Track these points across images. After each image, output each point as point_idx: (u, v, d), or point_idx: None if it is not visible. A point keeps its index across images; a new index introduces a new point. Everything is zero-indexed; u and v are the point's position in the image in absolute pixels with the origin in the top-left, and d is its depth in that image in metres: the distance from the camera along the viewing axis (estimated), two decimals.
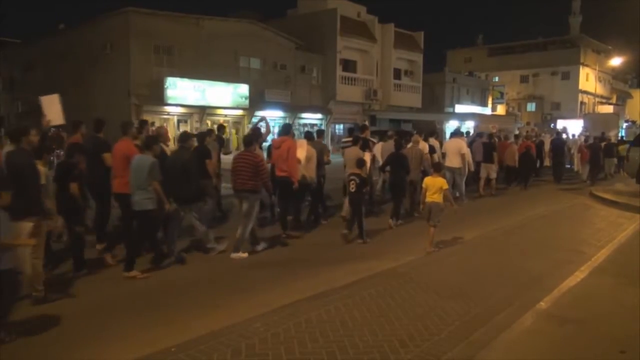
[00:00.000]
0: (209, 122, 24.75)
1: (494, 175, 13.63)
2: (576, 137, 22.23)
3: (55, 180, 6.08)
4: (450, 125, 34.93)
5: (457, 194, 11.86)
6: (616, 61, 49.82)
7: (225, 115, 25.96)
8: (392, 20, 34.07)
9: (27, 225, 4.86)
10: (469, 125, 33.87)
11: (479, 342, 4.32)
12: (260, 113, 26.75)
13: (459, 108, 40.56)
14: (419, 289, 5.68)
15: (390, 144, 10.22)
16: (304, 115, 29.43)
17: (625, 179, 15.73)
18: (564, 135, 20.56)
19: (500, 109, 48.98)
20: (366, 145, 9.95)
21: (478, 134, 15.64)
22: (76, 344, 4.37)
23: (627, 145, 16.93)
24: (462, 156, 11.99)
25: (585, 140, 18.96)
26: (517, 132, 23.03)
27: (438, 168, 8.02)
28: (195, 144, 7.89)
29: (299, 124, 29.03)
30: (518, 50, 55.64)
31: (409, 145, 10.28)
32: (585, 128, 27.89)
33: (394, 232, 9.01)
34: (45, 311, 5.02)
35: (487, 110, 44.97)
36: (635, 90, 66.68)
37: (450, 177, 11.53)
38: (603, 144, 17.88)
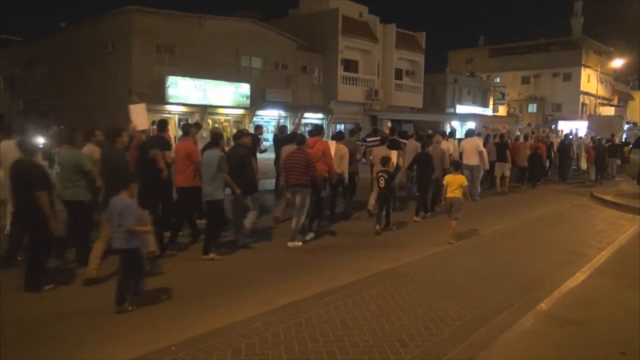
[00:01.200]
0: (210, 122, 24.77)
1: (507, 173, 14.34)
2: (583, 138, 22.76)
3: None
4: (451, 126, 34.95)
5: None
6: (618, 63, 49.77)
7: (227, 115, 25.98)
8: (394, 21, 34.13)
9: (146, 214, 5.51)
10: (469, 126, 33.87)
11: (479, 343, 4.31)
12: (261, 112, 26.86)
13: (460, 109, 40.56)
14: (419, 289, 5.68)
15: (412, 143, 11.28)
16: (305, 115, 29.43)
17: (626, 180, 15.73)
18: (572, 137, 21.08)
19: (502, 110, 48.97)
20: (396, 145, 10.83)
21: (488, 135, 16.24)
22: (74, 343, 4.36)
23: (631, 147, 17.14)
24: (480, 154, 12.57)
25: (592, 141, 19.39)
26: (518, 132, 23.34)
27: (457, 166, 8.63)
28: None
29: (302, 124, 29.04)
30: (519, 51, 55.60)
31: (432, 145, 10.90)
32: (590, 129, 28.31)
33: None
34: (46, 309, 5.03)
35: (488, 111, 44.97)
36: (636, 92, 66.68)
37: (468, 174, 11.74)
38: (608, 144, 18.31)
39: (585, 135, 24.67)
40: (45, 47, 27.51)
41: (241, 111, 26.10)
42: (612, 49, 55.47)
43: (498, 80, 52.59)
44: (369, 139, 12.32)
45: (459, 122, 35.01)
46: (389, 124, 12.93)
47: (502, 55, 56.36)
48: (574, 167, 19.53)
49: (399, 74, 35.29)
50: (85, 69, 24.23)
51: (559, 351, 4.28)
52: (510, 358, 4.14)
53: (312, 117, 29.81)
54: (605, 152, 17.46)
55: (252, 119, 26.26)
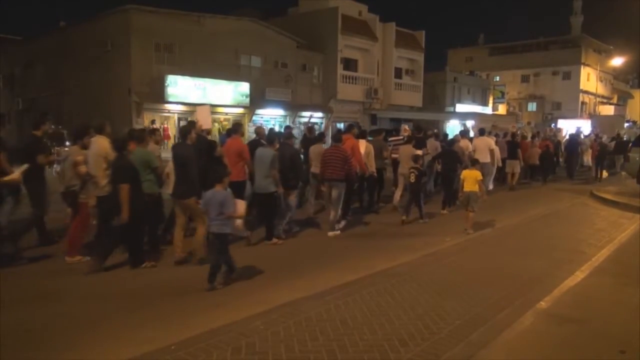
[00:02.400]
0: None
1: (517, 170, 15.11)
2: (591, 135, 23.73)
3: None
4: (451, 125, 34.97)
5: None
6: (617, 61, 49.77)
7: (226, 114, 25.95)
8: (394, 19, 34.11)
9: (243, 203, 6.20)
10: (469, 125, 33.87)
11: (479, 342, 4.31)
12: (260, 111, 26.84)
13: (460, 107, 40.54)
14: (419, 288, 5.68)
15: (432, 142, 12.29)
16: (305, 113, 29.43)
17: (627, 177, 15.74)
18: (582, 136, 21.96)
19: (501, 109, 48.98)
20: (421, 144, 11.69)
21: (497, 134, 17.19)
22: (73, 342, 4.36)
23: None
24: (491, 152, 13.30)
25: (596, 139, 20.34)
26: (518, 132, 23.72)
27: (474, 162, 9.25)
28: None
29: (299, 122, 29.02)
30: (519, 50, 55.57)
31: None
32: (593, 128, 29.18)
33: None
34: (48, 308, 5.01)
35: (488, 110, 44.96)
36: (636, 91, 66.66)
37: (485, 171, 12.57)
38: (613, 142, 19.24)
39: (591, 133, 25.40)
40: (45, 46, 27.48)
41: (241, 110, 26.09)
42: (611, 47, 55.46)
43: (498, 79, 52.58)
44: (391, 138, 12.91)
45: (459, 121, 35.00)
46: (407, 127, 13.97)
47: (502, 54, 56.35)
48: (584, 165, 20.49)
49: (398, 73, 35.27)
50: (85, 68, 24.22)
51: (558, 350, 4.28)
52: (510, 357, 4.14)
53: (312, 116, 29.81)
54: (606, 149, 18.23)
55: (251, 118, 26.24)
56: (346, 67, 31.59)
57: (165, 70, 22.68)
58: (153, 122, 21.66)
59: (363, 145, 10.02)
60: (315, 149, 9.49)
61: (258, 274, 6.31)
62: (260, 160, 7.58)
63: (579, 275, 6.33)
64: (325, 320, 4.68)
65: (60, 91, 25.78)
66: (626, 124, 43.09)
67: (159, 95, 22.40)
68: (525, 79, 54.34)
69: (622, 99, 63.14)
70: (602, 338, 4.52)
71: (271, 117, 28.11)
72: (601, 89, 54.98)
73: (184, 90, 23.04)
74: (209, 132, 9.13)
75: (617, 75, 60.92)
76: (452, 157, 10.86)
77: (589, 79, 52.34)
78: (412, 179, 9.57)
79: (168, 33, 22.96)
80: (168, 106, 23.43)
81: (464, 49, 59.11)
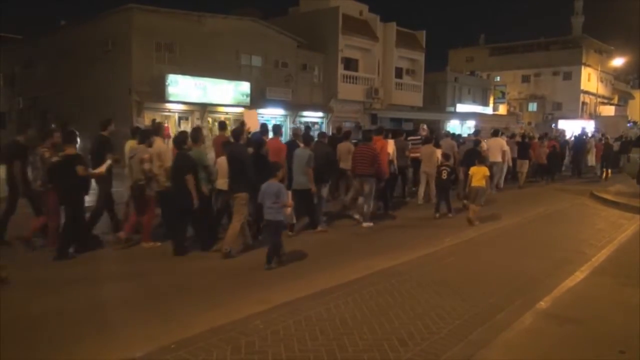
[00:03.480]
0: (210, 120, 24.76)
1: (525, 169, 15.97)
2: (595, 135, 24.43)
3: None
4: (452, 125, 34.96)
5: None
6: (618, 62, 49.68)
7: (227, 113, 25.93)
8: (394, 19, 34.03)
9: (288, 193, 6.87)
10: (469, 125, 33.86)
11: (478, 341, 4.32)
12: (261, 111, 26.82)
13: (460, 107, 40.51)
14: (419, 287, 5.68)
15: (448, 142, 13.06)
16: (305, 113, 29.42)
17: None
18: (590, 136, 23.01)
19: (502, 109, 48.90)
20: (439, 144, 12.54)
21: (511, 135, 18.37)
22: (72, 342, 4.37)
23: None
24: (503, 152, 14.27)
25: (600, 139, 21.09)
26: (517, 131, 24.32)
27: (483, 160, 10.31)
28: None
29: (300, 122, 29.01)
30: (520, 50, 55.48)
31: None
32: (596, 128, 29.99)
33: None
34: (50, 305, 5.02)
35: (489, 110, 44.91)
36: (636, 91, 66.60)
37: (497, 169, 14.05)
38: (618, 143, 20.05)
39: (594, 133, 26.00)
40: (45, 45, 27.47)
41: (241, 109, 26.04)
42: (612, 47, 55.38)
43: (498, 79, 52.51)
44: (410, 138, 13.35)
45: (459, 121, 34.98)
46: (425, 126, 14.62)
47: (503, 54, 56.27)
48: (588, 165, 21.04)
49: (399, 73, 35.23)
50: (85, 67, 24.20)
51: (558, 350, 4.28)
52: (510, 357, 4.14)
53: (312, 116, 29.81)
54: (611, 149, 19.01)
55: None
56: (347, 67, 31.56)
57: (166, 70, 22.66)
58: (154, 121, 21.65)
59: (391, 146, 10.75)
60: (342, 147, 10.21)
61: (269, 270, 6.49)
62: (298, 159, 8.42)
63: (579, 276, 6.33)
64: (325, 319, 4.69)
65: (60, 90, 25.77)
66: (627, 125, 43.06)
67: (159, 95, 22.39)
68: (525, 79, 54.28)
69: (623, 100, 63.08)
70: (602, 338, 4.52)
71: (271, 116, 28.07)
72: (602, 90, 54.90)
73: (185, 89, 23.04)
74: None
75: (617, 76, 60.84)
76: (475, 156, 11.18)
77: (590, 80, 52.27)
78: (444, 175, 10.33)
79: (169, 32, 22.95)
80: (169, 105, 23.41)
81: (464, 49, 59.05)
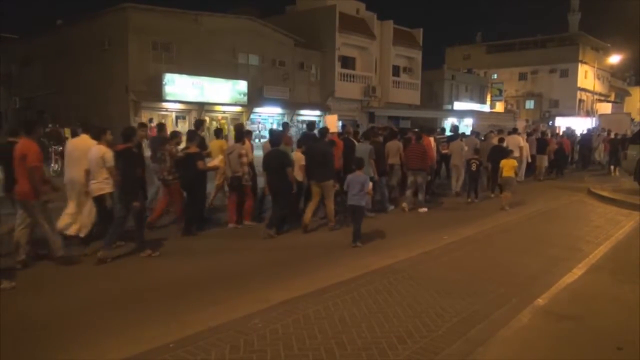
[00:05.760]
0: (207, 119, 24.72)
1: (545, 164, 17.30)
2: (601, 132, 25.46)
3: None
4: (449, 122, 34.97)
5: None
6: (615, 59, 49.62)
7: (224, 112, 25.92)
8: (391, 17, 34.08)
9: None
10: (467, 123, 33.87)
11: (476, 339, 4.32)
12: (258, 110, 26.82)
13: (458, 105, 40.55)
14: (417, 285, 5.69)
15: (472, 140, 13.89)
16: (303, 112, 29.40)
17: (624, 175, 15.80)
18: (598, 134, 24.35)
19: (499, 106, 48.94)
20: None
21: (530, 132, 19.86)
22: (71, 340, 4.36)
23: None
24: (520, 149, 15.29)
25: (608, 136, 22.31)
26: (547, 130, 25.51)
27: (510, 154, 12.03)
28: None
29: (297, 121, 29.00)
30: (517, 48, 55.54)
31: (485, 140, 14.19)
32: (597, 125, 30.83)
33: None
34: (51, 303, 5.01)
35: (486, 108, 44.96)
36: (633, 88, 66.66)
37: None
38: (623, 138, 20.61)
39: (599, 131, 26.67)
40: (42, 45, 27.38)
41: (238, 108, 26.07)
42: (609, 45, 55.47)
43: (495, 76, 52.59)
44: (438, 137, 14.40)
45: (457, 119, 34.99)
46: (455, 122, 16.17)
47: (500, 52, 56.33)
48: (596, 162, 22.46)
49: (396, 71, 35.24)
50: (82, 67, 24.15)
51: (556, 347, 4.29)
52: (508, 354, 4.15)
53: (310, 114, 29.78)
54: (619, 144, 19.64)
55: (249, 116, 26.24)
56: (344, 65, 31.55)
57: (163, 69, 22.62)
58: (151, 120, 21.62)
59: (433, 143, 12.10)
60: (392, 145, 11.08)
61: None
62: (361, 153, 9.34)
63: (577, 273, 6.34)
64: (324, 318, 4.69)
65: (57, 90, 25.71)
66: (631, 122, 43.05)
67: (156, 94, 22.35)
68: (523, 76, 54.35)
69: (620, 97, 63.19)
70: (600, 335, 4.54)
71: (269, 115, 28.08)
72: (599, 87, 54.95)
73: (182, 88, 23.01)
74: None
75: (614, 73, 60.93)
76: (500, 152, 12.47)
77: (587, 77, 52.34)
78: (474, 167, 11.90)
79: (166, 31, 22.90)
80: (166, 104, 23.38)
81: (461, 47, 59.09)
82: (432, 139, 12.17)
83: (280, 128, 12.25)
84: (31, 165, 5.97)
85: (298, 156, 8.87)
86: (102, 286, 5.76)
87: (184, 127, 24.60)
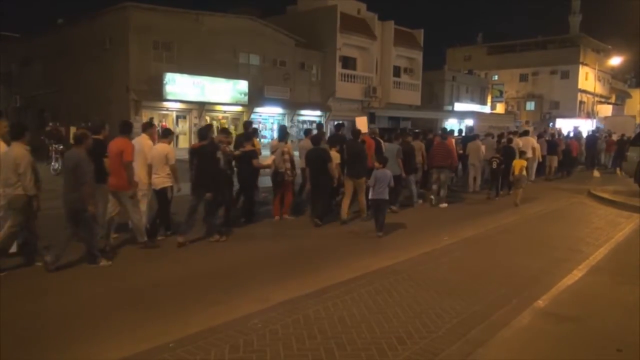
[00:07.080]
0: (207, 118, 24.73)
1: (555, 164, 18.06)
2: (606, 135, 26.44)
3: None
4: (449, 123, 34.95)
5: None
6: (615, 61, 49.68)
7: (225, 112, 25.93)
8: (392, 18, 34.04)
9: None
10: (467, 124, 33.83)
11: (476, 340, 4.32)
12: (259, 110, 26.82)
13: (458, 106, 40.53)
14: (417, 286, 5.68)
15: (489, 141, 14.50)
16: (303, 112, 29.41)
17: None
18: (606, 135, 25.53)
19: (500, 108, 48.94)
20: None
21: (540, 134, 20.51)
22: (70, 340, 4.36)
23: None
24: (533, 150, 16.15)
25: (611, 137, 23.83)
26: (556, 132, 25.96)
27: (522, 154, 12.89)
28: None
29: (298, 121, 29.00)
30: (517, 49, 55.52)
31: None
32: (601, 128, 31.84)
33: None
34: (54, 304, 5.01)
35: (486, 109, 44.94)
36: (634, 90, 66.64)
37: (528, 164, 14.97)
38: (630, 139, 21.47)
39: (608, 133, 27.37)
40: (43, 44, 27.40)
41: (239, 108, 26.07)
42: (610, 46, 55.47)
43: (496, 77, 52.57)
44: (456, 138, 15.22)
45: (457, 120, 34.99)
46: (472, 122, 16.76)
47: (500, 53, 56.30)
48: (602, 163, 23.23)
49: (397, 71, 35.23)
50: (83, 66, 24.16)
51: (556, 348, 4.29)
52: (507, 355, 4.14)
53: (310, 115, 29.80)
54: (625, 146, 20.17)
55: (250, 116, 26.23)
56: (345, 66, 31.55)
57: (164, 68, 22.63)
58: (151, 119, 21.65)
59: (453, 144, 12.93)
60: (415, 145, 11.78)
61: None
62: (390, 152, 10.06)
63: (577, 274, 6.34)
64: (324, 318, 4.69)
65: (58, 89, 25.72)
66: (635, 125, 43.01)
67: (157, 93, 22.36)
68: (523, 77, 54.33)
69: (620, 99, 63.16)
70: (600, 336, 4.53)
71: (269, 115, 28.08)
72: (599, 89, 54.94)
73: (183, 88, 23.01)
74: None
75: (615, 75, 60.90)
76: (510, 152, 13.08)
77: (587, 78, 52.32)
78: (494, 165, 12.67)
79: (166, 31, 22.91)
80: (166, 104, 23.40)
81: (462, 48, 59.06)
82: (453, 140, 12.79)
83: (313, 129, 12.99)
84: (127, 160, 6.86)
85: (333, 154, 9.58)
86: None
87: (184, 126, 24.67)
